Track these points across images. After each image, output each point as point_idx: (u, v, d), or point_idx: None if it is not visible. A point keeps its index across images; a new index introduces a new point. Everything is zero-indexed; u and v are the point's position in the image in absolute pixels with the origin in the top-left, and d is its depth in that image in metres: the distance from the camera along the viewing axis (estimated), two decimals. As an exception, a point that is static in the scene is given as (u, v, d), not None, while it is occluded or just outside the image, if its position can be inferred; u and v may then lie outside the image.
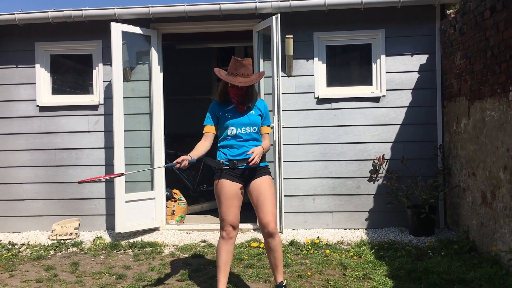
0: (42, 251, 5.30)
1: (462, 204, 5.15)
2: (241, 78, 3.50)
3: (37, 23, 5.94)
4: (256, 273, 4.31)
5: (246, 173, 3.61)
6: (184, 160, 3.41)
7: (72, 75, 6.46)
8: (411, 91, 5.75)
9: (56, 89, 6.24)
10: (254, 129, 3.64)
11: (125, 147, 5.63)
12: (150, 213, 5.87)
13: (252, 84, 3.58)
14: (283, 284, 3.70)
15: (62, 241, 5.58)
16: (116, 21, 5.65)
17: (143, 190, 5.86)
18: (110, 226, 5.98)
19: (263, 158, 3.66)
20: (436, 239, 5.13)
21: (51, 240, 5.68)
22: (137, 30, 5.76)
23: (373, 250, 4.91)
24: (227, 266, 3.61)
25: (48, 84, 6.18)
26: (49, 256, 5.15)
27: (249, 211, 6.54)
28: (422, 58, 5.74)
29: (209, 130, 3.66)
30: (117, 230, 5.54)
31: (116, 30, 5.56)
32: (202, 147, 3.62)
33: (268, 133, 3.78)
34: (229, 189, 3.56)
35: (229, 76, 3.54)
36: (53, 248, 5.39)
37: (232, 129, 3.60)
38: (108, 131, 6.02)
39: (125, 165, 5.60)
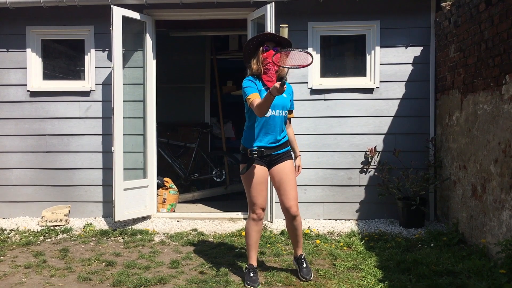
0: (31, 237, 5.28)
1: (452, 196, 5.18)
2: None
3: (28, 7, 5.84)
4: (246, 262, 4.31)
5: (271, 158, 3.83)
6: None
7: (63, 60, 6.38)
8: (404, 83, 5.75)
9: (47, 75, 6.16)
10: (285, 113, 3.83)
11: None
12: (144, 201, 5.85)
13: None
14: (303, 257, 4.02)
15: (52, 228, 5.55)
16: (109, 6, 5.57)
17: (136, 178, 5.83)
18: (105, 213, 5.98)
19: (285, 143, 3.89)
20: (425, 231, 5.16)
21: (41, 226, 5.64)
22: (136, 15, 5.67)
23: (363, 241, 4.93)
24: (257, 244, 3.94)
25: (39, 69, 6.10)
26: (39, 242, 5.13)
27: (239, 201, 6.58)
28: (416, 50, 5.73)
29: (258, 97, 3.65)
30: (116, 218, 5.48)
31: (117, 14, 5.47)
32: None
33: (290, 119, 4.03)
34: (259, 174, 3.79)
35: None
36: (43, 234, 5.37)
37: (268, 110, 3.68)
38: (100, 118, 5.97)
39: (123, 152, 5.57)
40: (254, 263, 3.91)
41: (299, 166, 4.02)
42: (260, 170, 3.80)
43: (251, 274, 3.84)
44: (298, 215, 3.88)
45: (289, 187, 3.82)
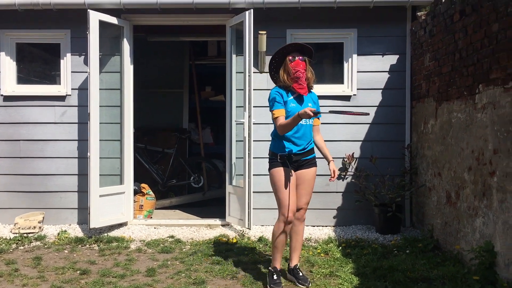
0: (3, 245, 5.15)
1: (427, 203, 5.25)
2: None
3: (3, 10, 5.73)
4: (224, 270, 4.29)
5: (299, 163, 3.96)
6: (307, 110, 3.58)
7: (38, 64, 6.28)
8: (381, 91, 5.82)
9: (22, 79, 6.05)
10: (311, 121, 3.96)
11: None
12: (120, 207, 5.78)
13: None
14: (298, 267, 4.05)
15: (25, 235, 5.43)
16: (86, 10, 5.51)
17: (113, 184, 5.75)
18: (80, 220, 5.88)
19: (312, 150, 4.03)
20: (401, 237, 5.21)
21: (14, 233, 5.52)
22: (113, 20, 5.62)
23: (340, 248, 4.96)
24: (284, 247, 3.97)
25: (13, 73, 5.98)
26: (11, 250, 5.01)
27: (217, 207, 6.55)
28: (393, 59, 5.81)
29: (282, 114, 3.82)
30: (91, 225, 5.39)
31: (94, 18, 5.41)
32: None
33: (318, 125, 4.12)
34: (289, 177, 3.87)
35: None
36: (15, 242, 5.25)
37: None
38: (75, 123, 5.89)
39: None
40: (278, 266, 3.96)
41: (334, 171, 4.00)
42: (289, 174, 3.88)
43: (275, 277, 3.88)
44: (304, 221, 4.05)
45: (305, 192, 3.99)
